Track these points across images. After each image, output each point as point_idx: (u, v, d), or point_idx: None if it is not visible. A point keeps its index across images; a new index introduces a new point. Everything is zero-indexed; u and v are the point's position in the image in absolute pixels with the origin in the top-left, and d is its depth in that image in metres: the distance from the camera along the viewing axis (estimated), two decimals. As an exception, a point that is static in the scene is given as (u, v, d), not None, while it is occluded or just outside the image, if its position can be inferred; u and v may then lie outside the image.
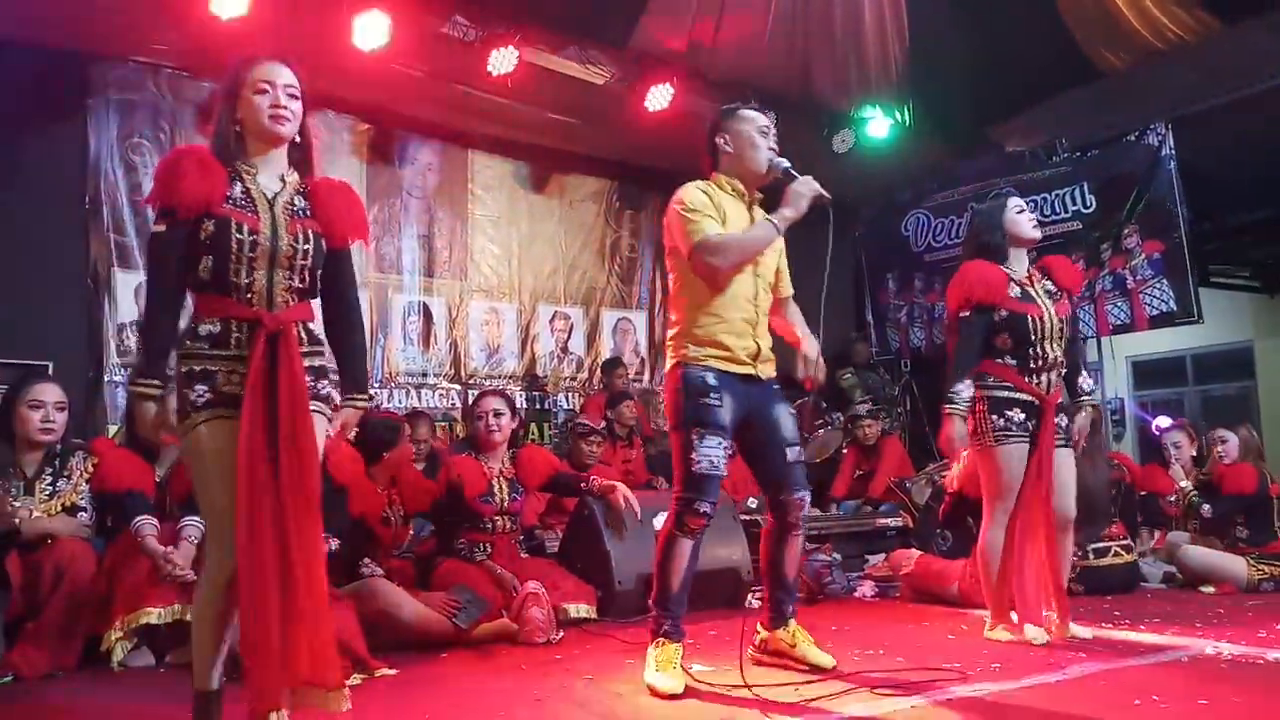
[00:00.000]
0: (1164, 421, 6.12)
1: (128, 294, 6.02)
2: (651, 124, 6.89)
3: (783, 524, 3.33)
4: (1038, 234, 3.93)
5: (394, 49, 5.69)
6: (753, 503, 5.35)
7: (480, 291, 7.59)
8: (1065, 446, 3.87)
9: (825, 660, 3.25)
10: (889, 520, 6.12)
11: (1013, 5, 6.92)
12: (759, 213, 3.33)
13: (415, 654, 3.65)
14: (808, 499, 3.34)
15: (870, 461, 7.07)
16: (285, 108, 2.51)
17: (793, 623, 3.36)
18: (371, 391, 6.63)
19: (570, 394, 7.89)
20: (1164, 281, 7.30)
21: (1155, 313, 7.39)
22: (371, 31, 5.51)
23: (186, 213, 2.38)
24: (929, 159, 8.49)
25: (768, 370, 3.31)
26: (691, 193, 3.26)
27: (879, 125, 7.63)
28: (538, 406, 7.71)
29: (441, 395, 7.28)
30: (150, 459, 3.93)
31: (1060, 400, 3.87)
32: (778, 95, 7.14)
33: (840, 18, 7.05)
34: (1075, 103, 7.47)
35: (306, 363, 2.48)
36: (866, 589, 5.28)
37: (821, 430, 7.59)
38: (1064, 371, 3.88)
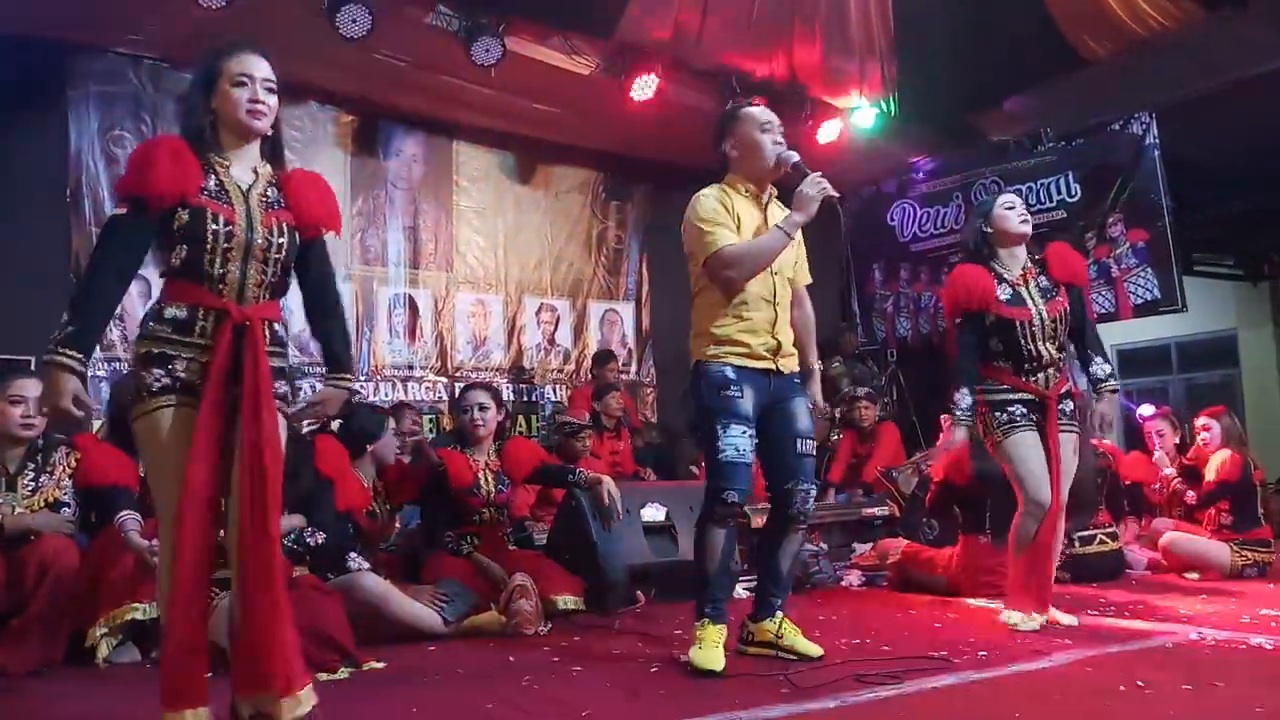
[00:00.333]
0: (1147, 410, 6.15)
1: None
2: (637, 114, 6.88)
3: (784, 515, 3.34)
4: (1026, 229, 3.89)
5: (377, 39, 5.66)
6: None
7: (466, 283, 7.57)
8: (1069, 432, 3.87)
9: (812, 649, 3.26)
10: (875, 509, 6.14)
11: (998, -6, 6.94)
12: (775, 211, 3.36)
13: (403, 647, 3.64)
14: (813, 493, 3.36)
15: (866, 446, 7.08)
16: (263, 103, 2.48)
17: (779, 614, 3.36)
18: (358, 384, 6.63)
19: (557, 386, 7.88)
20: (1148, 270, 7.34)
21: (1140, 301, 7.42)
22: (354, 21, 5.47)
23: (158, 204, 2.35)
24: (914, 149, 8.49)
25: (789, 365, 3.35)
26: (705, 203, 3.29)
27: (864, 115, 7.63)
28: (525, 399, 7.70)
29: (428, 388, 7.25)
30: (133, 454, 3.90)
31: (1065, 389, 3.87)
32: (763, 85, 7.15)
33: (825, 6, 7.05)
34: (1060, 92, 7.48)
35: (271, 363, 2.45)
36: (853, 578, 5.30)
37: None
38: (1063, 365, 3.88)
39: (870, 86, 7.58)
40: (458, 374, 7.31)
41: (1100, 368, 3.91)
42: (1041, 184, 7.82)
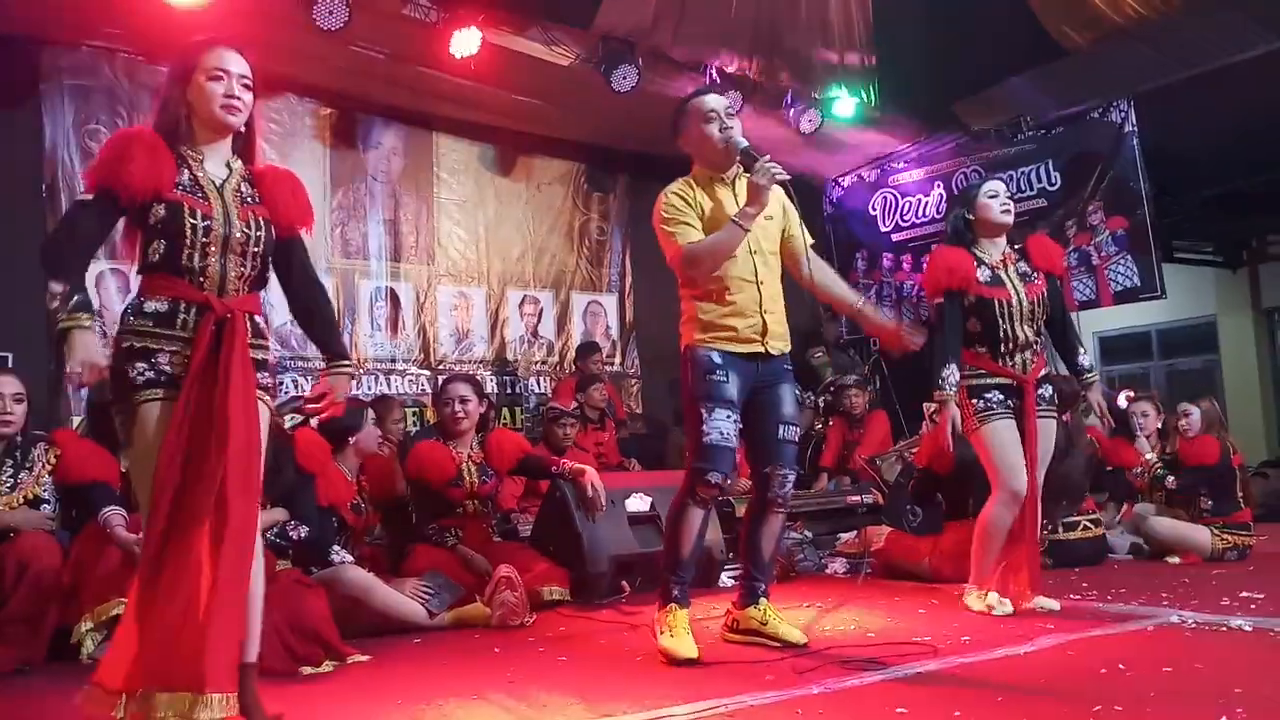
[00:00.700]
0: (1125, 398, 6.19)
1: (88, 284, 5.86)
2: (618, 105, 6.86)
3: (764, 498, 3.36)
4: (1007, 219, 3.91)
5: (354, 31, 5.62)
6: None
7: (448, 276, 7.54)
8: (1048, 418, 3.89)
9: (797, 636, 3.27)
10: (859, 497, 6.16)
11: (976, -17, 6.95)
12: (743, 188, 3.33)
13: (388, 640, 3.64)
14: (791, 477, 3.37)
15: (855, 432, 7.12)
16: (239, 98, 2.47)
17: (763, 601, 3.38)
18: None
19: (541, 378, 7.86)
20: (1128, 257, 7.37)
21: (1120, 289, 7.46)
22: (331, 13, 5.43)
23: (129, 197, 2.34)
24: (895, 138, 8.50)
25: (778, 345, 3.35)
26: (667, 201, 3.31)
27: (845, 104, 7.63)
28: (508, 391, 7.68)
29: (411, 381, 7.23)
30: (114, 449, 3.88)
31: (1042, 373, 3.89)
32: (743, 75, 7.15)
33: (805, -3, 7.05)
34: (1040, 80, 7.50)
35: (252, 355, 2.45)
36: (838, 566, 5.32)
37: (794, 410, 7.61)
38: (1040, 349, 3.90)
39: (850, 76, 7.58)
40: (440, 367, 7.28)
41: (1084, 359, 4.02)
42: (1022, 172, 7.84)
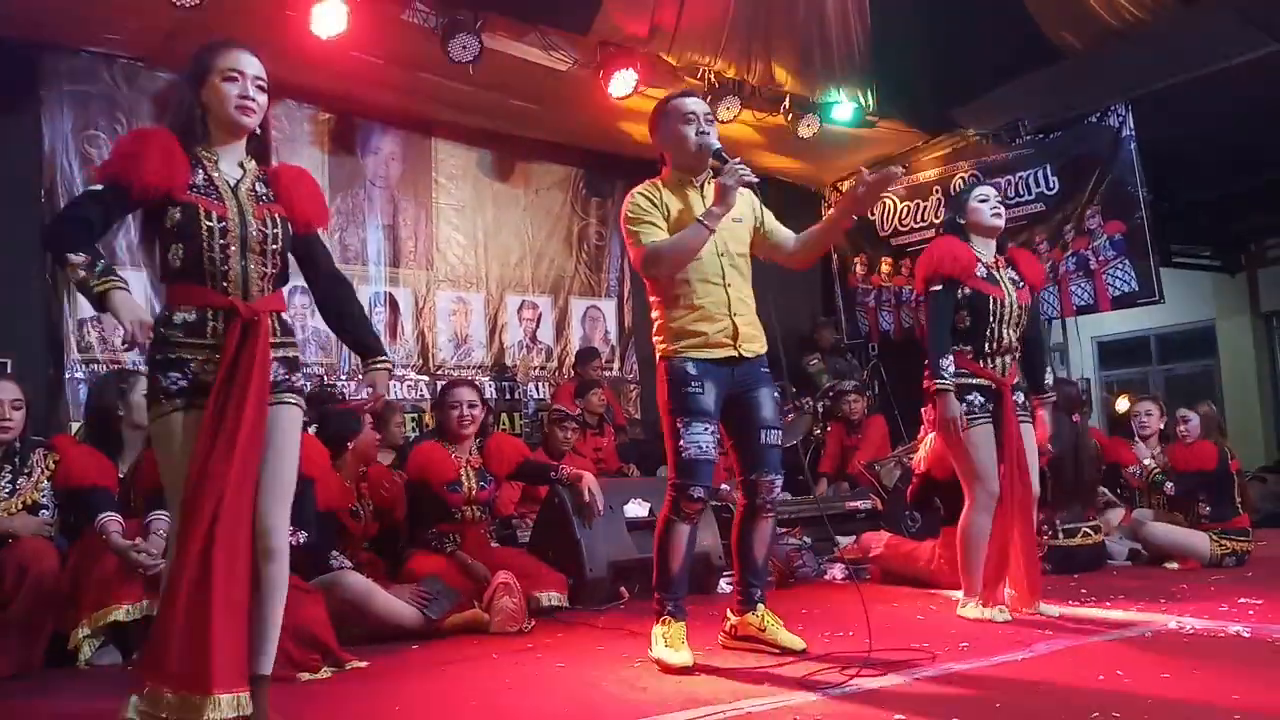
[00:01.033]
0: (1123, 404, 6.20)
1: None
2: (616, 110, 6.87)
3: (753, 505, 3.35)
4: (998, 223, 3.93)
5: (353, 36, 5.62)
6: (725, 487, 5.37)
7: (447, 281, 7.53)
8: (1026, 422, 3.91)
9: (796, 643, 3.27)
10: (858, 503, 6.16)
11: (973, -12, 6.96)
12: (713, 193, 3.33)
13: (386, 646, 3.63)
14: (779, 482, 3.35)
15: (853, 437, 7.12)
16: (253, 100, 2.50)
17: (761, 607, 3.37)
18: (340, 383, 6.61)
19: (540, 383, 7.86)
20: (1126, 262, 7.37)
21: (1118, 293, 7.46)
22: (329, 18, 5.43)
23: (142, 194, 2.35)
24: (893, 142, 8.51)
25: (752, 348, 3.33)
26: (632, 201, 3.33)
27: (843, 109, 7.63)
28: (507, 396, 7.67)
29: (410, 386, 7.22)
30: (113, 455, 3.88)
31: (1016, 380, 3.91)
32: (741, 80, 7.15)
33: (803, 2, 7.05)
34: (1037, 84, 7.50)
35: (280, 354, 2.50)
36: (836, 571, 5.32)
37: (791, 415, 7.62)
38: (1019, 356, 3.92)
39: (848, 80, 7.58)
40: (439, 372, 7.28)
41: (1049, 377, 4.10)
42: (1019, 177, 7.85)
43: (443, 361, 7.40)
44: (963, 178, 8.16)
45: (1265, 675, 2.80)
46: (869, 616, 3.12)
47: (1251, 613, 3.73)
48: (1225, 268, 10.93)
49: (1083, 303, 7.65)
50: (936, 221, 8.20)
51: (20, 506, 3.67)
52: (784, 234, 3.47)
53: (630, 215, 3.30)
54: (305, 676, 3.15)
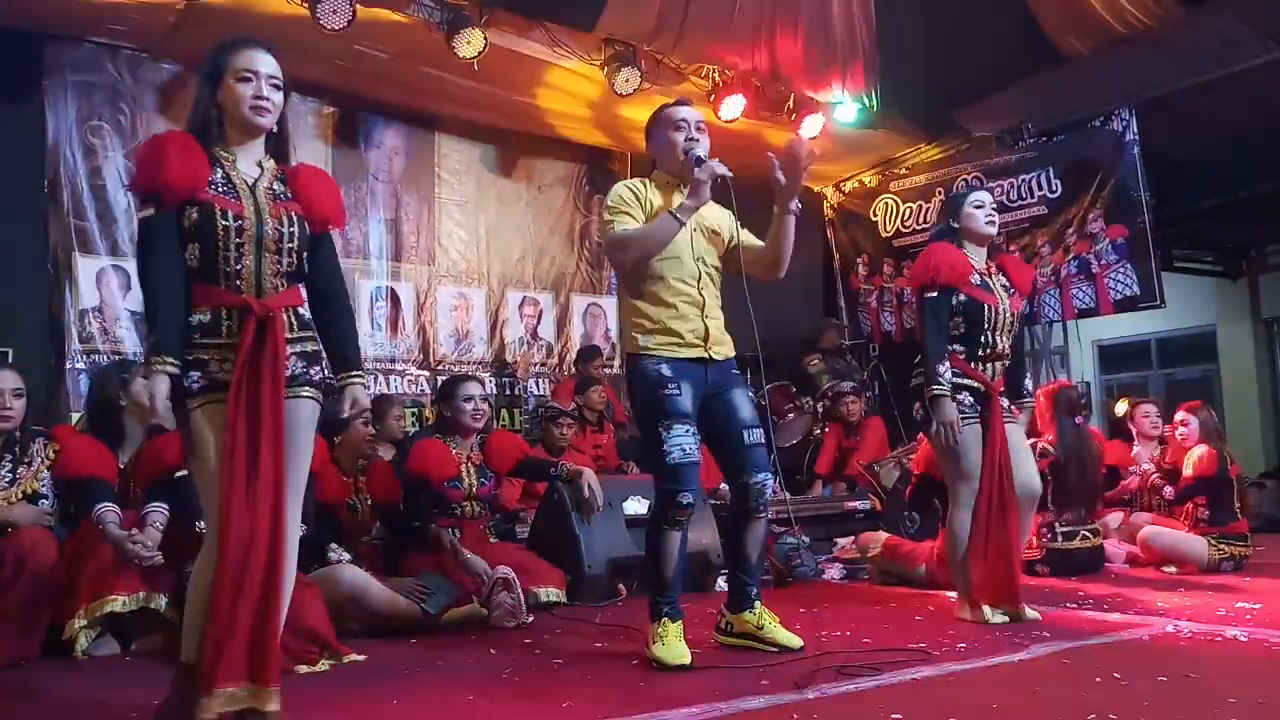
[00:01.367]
0: (1122, 407, 6.20)
1: (89, 280, 5.93)
2: (620, 108, 6.87)
3: (744, 507, 3.35)
4: (991, 231, 3.93)
5: (358, 30, 5.62)
6: (723, 486, 5.37)
7: (448, 277, 7.53)
8: (1013, 423, 3.91)
9: (793, 641, 3.28)
10: (857, 503, 6.17)
11: (978, -9, 6.95)
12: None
13: (384, 640, 3.64)
14: (768, 482, 3.34)
15: (851, 439, 7.12)
16: (268, 99, 2.50)
17: (758, 605, 3.37)
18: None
19: (540, 380, 7.86)
20: (1128, 266, 7.38)
21: (1119, 297, 7.46)
22: (336, 11, 5.43)
23: (172, 198, 2.38)
24: (896, 143, 8.51)
25: (722, 351, 3.34)
26: (615, 191, 3.36)
27: (847, 110, 7.63)
28: (507, 393, 7.68)
29: (410, 381, 7.23)
30: (113, 446, 3.88)
31: (1002, 388, 3.92)
32: (745, 79, 7.15)
33: (808, 2, 7.05)
34: (1041, 88, 7.50)
35: (298, 348, 2.52)
36: (834, 571, 5.33)
37: (791, 415, 7.63)
38: (1008, 364, 3.93)
39: (852, 81, 7.57)
40: (439, 367, 7.28)
41: (1028, 382, 4.13)
42: (1022, 180, 7.85)
43: (443, 357, 7.40)
44: (965, 180, 8.16)
45: (1262, 679, 2.80)
46: (866, 617, 3.12)
47: (1249, 617, 3.73)
48: (1227, 273, 10.92)
49: (1084, 306, 7.65)
50: (939, 223, 8.20)
51: (20, 496, 3.67)
52: (757, 243, 3.49)
53: (610, 204, 3.33)
54: (303, 669, 3.15)
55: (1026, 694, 2.70)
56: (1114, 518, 5.81)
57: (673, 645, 3.12)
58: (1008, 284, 3.94)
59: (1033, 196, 7.79)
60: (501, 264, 7.79)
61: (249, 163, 2.53)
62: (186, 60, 5.98)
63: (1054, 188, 7.69)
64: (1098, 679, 2.79)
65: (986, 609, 3.73)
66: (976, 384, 3.82)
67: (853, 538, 5.57)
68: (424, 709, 2.70)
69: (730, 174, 3.22)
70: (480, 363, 7.57)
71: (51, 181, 5.91)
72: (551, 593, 4.32)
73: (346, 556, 3.89)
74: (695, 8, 6.61)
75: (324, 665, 3.22)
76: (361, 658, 3.33)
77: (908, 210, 8.77)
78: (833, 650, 3.23)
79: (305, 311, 2.61)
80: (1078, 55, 7.11)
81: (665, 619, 3.19)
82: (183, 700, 2.32)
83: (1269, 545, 5.86)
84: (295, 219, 2.52)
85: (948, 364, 3.77)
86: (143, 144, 2.62)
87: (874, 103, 7.75)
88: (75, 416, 5.35)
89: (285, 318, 2.50)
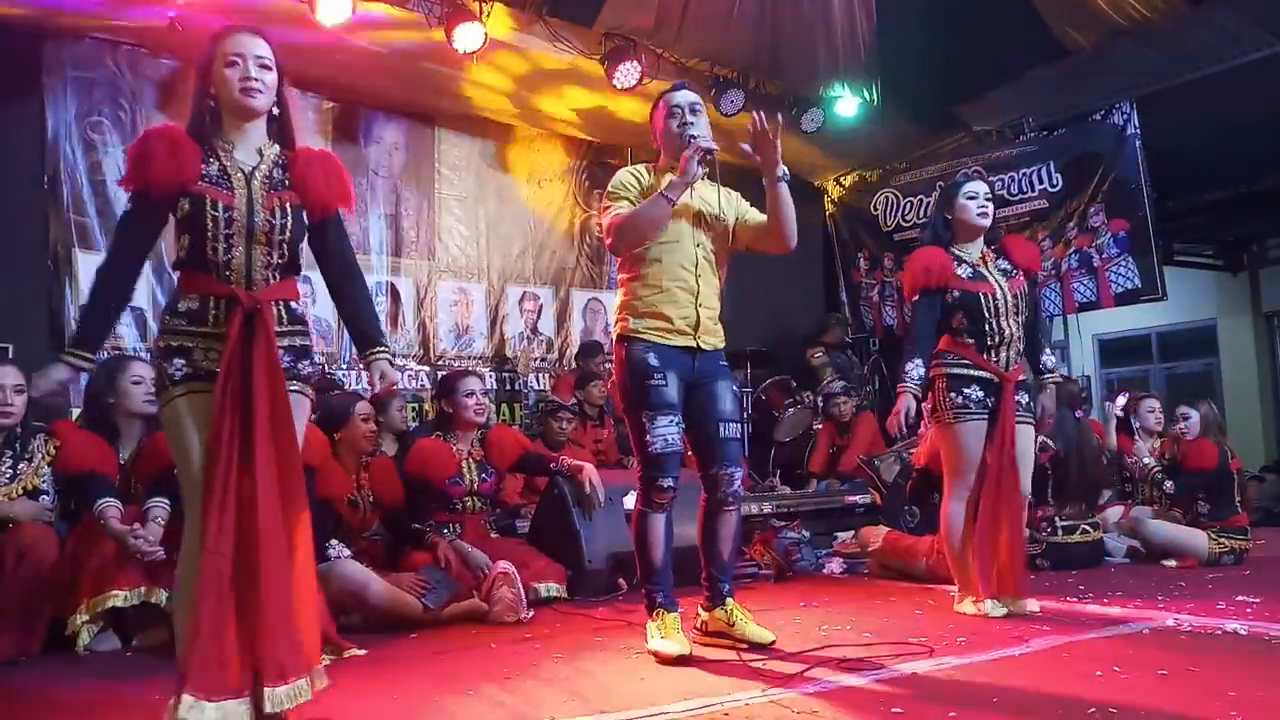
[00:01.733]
0: (1121, 400, 6.19)
1: (89, 275, 5.89)
2: (620, 102, 6.86)
3: (714, 498, 3.35)
4: (983, 222, 3.92)
5: (357, 25, 5.61)
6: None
7: (448, 272, 7.53)
8: (1026, 423, 3.90)
9: (765, 636, 3.26)
10: (857, 497, 6.17)
11: (980, -16, 6.94)
12: (702, 187, 3.35)
13: (384, 635, 3.64)
14: (739, 475, 3.36)
15: (844, 437, 7.14)
16: (256, 79, 2.47)
17: (730, 601, 3.36)
18: (340, 372, 6.61)
19: (540, 375, 7.86)
20: (1129, 259, 7.38)
21: (1120, 290, 7.46)
22: (334, 7, 5.42)
23: (158, 193, 2.39)
24: (897, 138, 8.50)
25: (711, 341, 3.34)
26: (616, 177, 3.37)
27: (847, 104, 7.62)
28: (508, 388, 7.68)
29: (410, 376, 7.23)
30: (112, 441, 3.88)
31: (1022, 378, 3.90)
32: (745, 73, 7.15)
33: (808, -5, 7.05)
34: (1042, 82, 7.49)
35: (286, 342, 2.49)
36: (835, 566, 5.33)
37: (791, 410, 7.63)
38: (1023, 348, 3.92)
39: (853, 76, 7.57)
40: (440, 362, 7.28)
41: (1048, 358, 4.07)
42: (1023, 173, 7.84)
43: (443, 352, 7.40)
44: (965, 174, 8.14)
45: (1261, 673, 2.80)
46: (867, 611, 3.12)
47: (1249, 611, 3.73)
48: (1227, 267, 10.92)
49: (1085, 299, 7.65)
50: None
51: (21, 491, 3.68)
52: (762, 217, 3.46)
53: (610, 190, 3.35)
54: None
55: (1027, 688, 2.70)
56: (1114, 512, 5.81)
57: (670, 638, 3.13)
58: (1008, 266, 3.94)
59: (1033, 190, 7.78)
60: (501, 259, 7.78)
61: (248, 151, 2.51)
62: (186, 56, 5.96)
63: (1055, 182, 7.69)
64: (1098, 672, 2.80)
65: (987, 602, 3.73)
66: (988, 374, 3.83)
67: (853, 532, 5.57)
68: (424, 703, 2.70)
69: (715, 147, 3.21)
70: (480, 358, 7.57)
71: (51, 177, 5.90)
72: (552, 588, 4.32)
73: (346, 552, 3.89)
74: (696, 3, 6.60)
75: (324, 660, 3.21)
76: (362, 652, 3.33)
77: (908, 205, 8.76)
78: (833, 644, 3.24)
79: (298, 305, 2.60)
80: (1078, 49, 7.10)
81: (660, 610, 3.20)
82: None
83: (1269, 539, 5.87)
84: (290, 210, 2.49)
85: (919, 363, 3.81)
86: (135, 139, 2.61)
87: (874, 97, 7.74)
88: (76, 412, 5.35)
89: (275, 310, 2.47)
